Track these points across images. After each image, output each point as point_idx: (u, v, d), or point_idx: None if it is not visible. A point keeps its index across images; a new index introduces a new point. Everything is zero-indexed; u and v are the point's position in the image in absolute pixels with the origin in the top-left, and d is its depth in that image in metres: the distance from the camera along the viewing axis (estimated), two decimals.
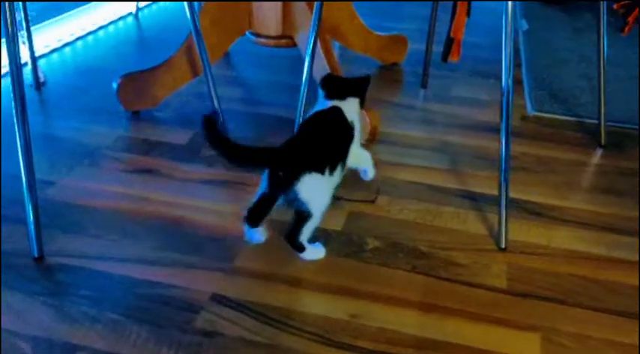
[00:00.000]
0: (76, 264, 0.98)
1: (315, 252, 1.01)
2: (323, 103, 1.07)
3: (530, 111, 1.56)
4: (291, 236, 0.98)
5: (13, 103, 0.94)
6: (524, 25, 2.14)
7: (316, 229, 0.99)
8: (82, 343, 0.84)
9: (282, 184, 0.94)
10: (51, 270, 0.97)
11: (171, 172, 1.24)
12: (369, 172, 1.13)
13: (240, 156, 0.98)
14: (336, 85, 1.10)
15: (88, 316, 0.88)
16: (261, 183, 0.97)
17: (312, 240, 1.00)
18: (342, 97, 1.07)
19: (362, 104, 1.12)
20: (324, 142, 1.01)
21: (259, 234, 1.01)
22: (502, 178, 1.05)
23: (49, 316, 0.88)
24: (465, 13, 1.30)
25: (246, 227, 1.00)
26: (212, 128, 0.93)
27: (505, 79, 1.03)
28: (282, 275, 0.98)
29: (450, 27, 1.33)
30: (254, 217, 0.99)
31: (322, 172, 0.96)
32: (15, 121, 0.94)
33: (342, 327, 0.89)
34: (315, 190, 0.96)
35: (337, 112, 1.05)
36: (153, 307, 0.91)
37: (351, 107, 1.07)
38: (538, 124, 1.51)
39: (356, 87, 1.11)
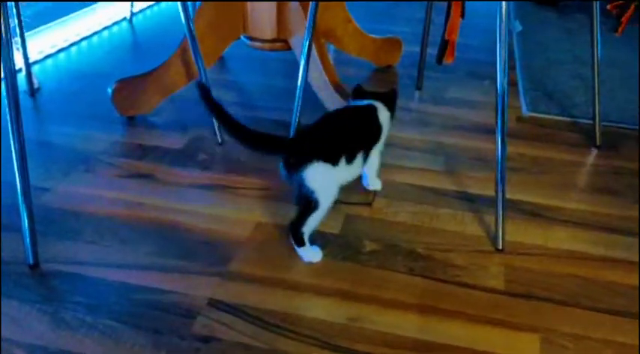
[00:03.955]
0: (72, 271, 0.97)
1: (312, 254, 1.01)
2: (358, 101, 1.14)
3: (525, 112, 1.57)
4: (294, 225, 0.98)
5: (7, 110, 0.93)
6: (518, 26, 2.14)
7: (314, 232, 0.99)
8: (78, 350, 0.83)
9: (292, 168, 0.96)
10: (46, 277, 0.96)
11: (166, 176, 1.24)
12: (369, 179, 1.18)
13: (254, 139, 0.99)
14: (369, 93, 1.17)
15: (85, 323, 0.88)
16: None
17: (310, 242, 1.00)
18: (379, 100, 1.14)
19: (392, 117, 1.18)
20: (344, 132, 1.03)
21: (311, 253, 1.01)
22: (498, 179, 1.05)
23: (46, 323, 0.88)
24: (460, 14, 1.31)
25: (298, 249, 1.01)
26: (209, 98, 0.97)
27: (500, 80, 1.03)
28: (279, 279, 0.98)
29: (445, 29, 1.33)
30: (295, 232, 0.99)
31: (334, 163, 0.98)
32: (9, 127, 0.94)
33: (340, 330, 0.88)
34: (323, 179, 0.97)
35: (372, 108, 1.11)
36: (149, 313, 0.90)
37: (383, 111, 1.14)
38: (533, 125, 1.51)
39: (387, 97, 1.17)
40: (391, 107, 1.17)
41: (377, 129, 1.11)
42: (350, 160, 1.01)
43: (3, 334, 0.85)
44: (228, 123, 0.97)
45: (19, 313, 0.89)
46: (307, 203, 0.97)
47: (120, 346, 0.85)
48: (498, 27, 1.02)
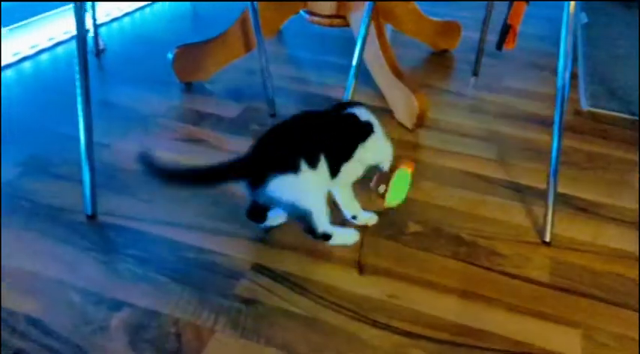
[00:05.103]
0: (126, 225, 1.02)
1: (344, 237, 0.99)
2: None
3: (584, 106, 1.52)
4: (310, 233, 0.96)
5: (77, 68, 0.97)
6: (584, 18, 2.07)
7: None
8: (127, 299, 0.88)
9: (257, 190, 0.91)
10: (102, 228, 1.01)
11: (219, 143, 1.27)
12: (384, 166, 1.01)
13: (199, 177, 0.94)
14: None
15: (135, 275, 0.92)
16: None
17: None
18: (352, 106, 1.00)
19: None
20: (295, 137, 0.93)
21: (271, 220, 1.01)
22: (552, 172, 1.03)
23: (99, 271, 0.92)
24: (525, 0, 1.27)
25: (329, 242, 0.98)
26: (150, 164, 0.91)
27: (561, 72, 1.01)
28: (321, 250, 0.99)
29: (508, 13, 1.30)
30: (253, 215, 1.00)
31: (295, 170, 0.90)
32: (77, 84, 0.98)
33: (378, 306, 0.90)
34: (292, 189, 0.91)
35: (351, 116, 0.98)
36: (196, 271, 0.94)
37: (363, 112, 1.00)
38: (591, 120, 1.47)
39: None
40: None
41: (356, 127, 0.98)
42: (313, 164, 0.91)
43: (59, 277, 0.91)
44: (176, 178, 0.93)
45: (74, 258, 0.94)
46: (298, 215, 0.94)
47: (166, 299, 0.88)
48: (565, 17, 1.00)
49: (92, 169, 1.01)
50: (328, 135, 0.95)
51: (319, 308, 0.89)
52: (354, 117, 0.98)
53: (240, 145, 1.26)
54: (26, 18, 1.63)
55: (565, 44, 1.00)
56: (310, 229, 0.95)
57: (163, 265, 0.94)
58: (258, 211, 1.00)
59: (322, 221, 0.95)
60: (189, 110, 1.39)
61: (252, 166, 0.92)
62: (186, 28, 1.86)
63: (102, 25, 1.79)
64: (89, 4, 1.59)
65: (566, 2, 0.99)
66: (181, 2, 2.04)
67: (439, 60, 1.74)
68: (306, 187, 0.92)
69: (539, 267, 0.99)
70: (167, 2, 2.03)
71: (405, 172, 0.98)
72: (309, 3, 1.52)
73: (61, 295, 0.88)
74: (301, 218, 0.94)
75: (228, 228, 1.03)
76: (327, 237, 0.97)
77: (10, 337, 0.81)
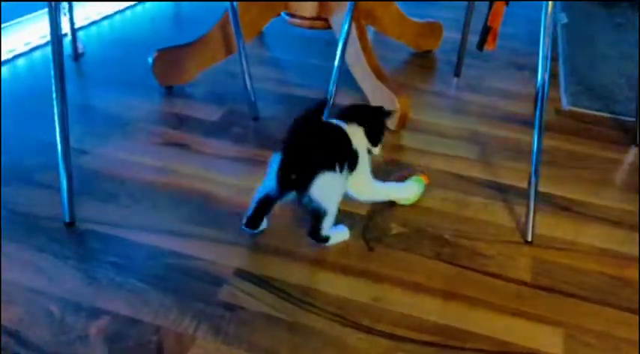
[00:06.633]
0: (105, 231, 1.00)
1: (338, 235, 1.01)
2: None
3: (565, 105, 1.54)
4: (313, 234, 0.98)
5: (52, 73, 0.95)
6: (564, 18, 2.09)
7: (339, 212, 0.99)
8: (107, 307, 0.86)
9: (296, 185, 0.93)
10: (81, 236, 0.99)
11: (200, 147, 1.25)
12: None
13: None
14: (348, 111, 1.06)
15: (114, 282, 0.91)
16: (259, 188, 0.98)
17: (335, 223, 1.01)
18: (348, 121, 1.02)
19: (374, 137, 1.04)
20: (330, 141, 0.97)
21: (339, 235, 1.02)
22: (533, 171, 1.04)
23: (78, 279, 0.91)
24: (504, 1, 1.28)
25: (244, 226, 1.01)
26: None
27: (541, 71, 1.01)
28: (304, 254, 0.99)
29: (488, 15, 1.31)
30: (254, 222, 1.00)
31: (334, 170, 0.94)
32: (53, 89, 0.96)
33: (362, 309, 0.89)
34: (329, 188, 0.94)
35: (339, 129, 1.00)
36: (177, 278, 0.92)
37: (355, 133, 1.01)
38: (572, 119, 1.48)
39: (363, 115, 1.04)
40: (366, 123, 1.03)
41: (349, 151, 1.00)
42: (342, 168, 0.96)
43: (37, 287, 0.89)
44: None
45: (52, 267, 0.93)
46: (316, 213, 0.95)
47: (147, 307, 0.87)
48: (543, 17, 1.00)
49: (69, 176, 1.00)
50: (348, 147, 0.99)
51: (302, 313, 0.88)
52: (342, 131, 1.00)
53: (221, 149, 1.25)
54: (2, 22, 1.60)
55: (544, 44, 1.01)
56: (316, 230, 0.97)
57: (143, 272, 0.93)
58: (259, 219, 1.00)
59: (329, 224, 0.97)
60: (170, 114, 1.37)
61: (299, 161, 0.94)
62: (166, 32, 1.84)
63: (80, 28, 1.77)
64: (66, 7, 1.56)
65: (544, 2, 1.00)
66: (162, 4, 2.03)
67: (421, 61, 1.74)
68: (337, 189, 0.96)
69: (521, 267, 0.99)
70: (147, 5, 2.01)
71: (421, 180, 1.12)
72: (290, 5, 1.51)
73: (39, 304, 0.86)
74: (316, 217, 0.96)
75: (210, 233, 1.02)
76: (326, 240, 0.99)
77: None
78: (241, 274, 0.94)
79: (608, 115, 1.50)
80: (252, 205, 1.00)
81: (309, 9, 1.50)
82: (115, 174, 1.15)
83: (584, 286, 0.97)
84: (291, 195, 0.95)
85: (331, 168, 0.94)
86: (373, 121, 1.05)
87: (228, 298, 0.90)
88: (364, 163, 1.02)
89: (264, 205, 0.99)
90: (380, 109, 1.08)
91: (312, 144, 0.96)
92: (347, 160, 0.98)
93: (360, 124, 1.02)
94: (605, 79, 1.69)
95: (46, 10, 0.95)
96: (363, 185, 1.03)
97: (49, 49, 0.96)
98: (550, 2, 0.99)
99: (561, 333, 0.88)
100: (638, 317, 0.92)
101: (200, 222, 1.04)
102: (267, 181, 0.96)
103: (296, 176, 0.93)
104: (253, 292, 0.91)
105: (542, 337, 0.87)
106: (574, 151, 1.34)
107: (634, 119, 1.40)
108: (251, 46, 1.70)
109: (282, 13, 1.55)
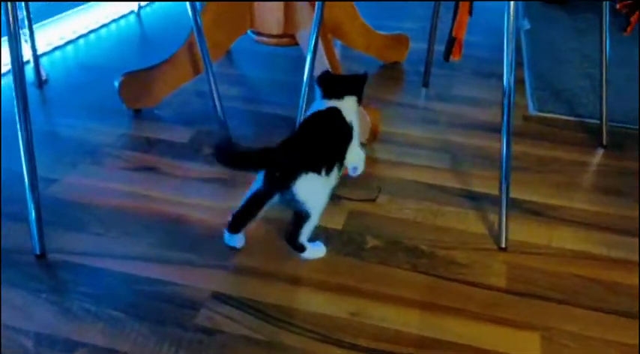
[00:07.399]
0: (78, 261, 0.98)
1: (315, 251, 1.01)
2: (321, 103, 1.06)
3: (532, 111, 1.56)
4: (291, 237, 0.98)
5: (15, 101, 0.94)
6: (527, 24, 2.14)
7: (316, 228, 0.99)
8: (83, 339, 0.84)
9: (279, 183, 0.94)
10: (53, 267, 0.97)
11: (172, 169, 1.24)
12: (358, 169, 1.10)
13: (237, 159, 0.98)
14: (334, 84, 1.09)
15: (90, 313, 0.89)
16: (251, 186, 0.98)
17: (312, 239, 1.01)
18: (340, 97, 1.06)
19: (359, 102, 1.10)
20: (322, 142, 1.00)
21: (238, 239, 1.01)
22: (503, 178, 1.05)
23: (51, 312, 0.89)
24: (467, 12, 1.30)
25: (226, 232, 1.01)
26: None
27: (507, 78, 1.03)
28: (282, 273, 0.98)
29: (452, 26, 1.33)
30: (239, 222, 1.00)
31: (319, 173, 0.96)
32: (17, 118, 0.95)
33: (342, 325, 0.89)
34: (312, 190, 0.96)
35: (336, 112, 1.04)
36: (154, 305, 0.91)
37: (349, 107, 1.06)
38: (540, 124, 1.51)
39: (353, 85, 1.09)
40: (358, 93, 1.09)
41: (347, 131, 1.05)
42: (330, 168, 0.98)
43: (9, 323, 0.86)
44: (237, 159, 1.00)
45: (25, 302, 0.90)
46: (299, 215, 0.96)
47: (124, 336, 0.85)
48: (506, 25, 1.02)
49: (38, 206, 0.98)
50: (341, 144, 1.04)
51: (282, 333, 0.87)
52: (340, 114, 1.04)
53: (193, 171, 1.24)
54: None
55: (508, 49, 1.02)
56: (292, 236, 0.98)
57: (119, 301, 0.91)
58: (244, 219, 0.99)
59: (308, 231, 0.98)
60: (139, 137, 1.36)
61: (286, 159, 0.96)
62: (131, 54, 1.83)
63: (43, 54, 1.74)
64: (27, 33, 1.54)
65: (506, 2, 1.01)
66: (126, 26, 2.01)
67: (389, 73, 1.76)
68: (323, 192, 0.98)
69: (496, 273, 1.00)
70: (112, 27, 2.00)
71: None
72: (257, 23, 1.52)
73: (13, 341, 0.84)
74: (298, 219, 0.96)
75: (184, 257, 1.01)
76: (302, 249, 0.99)
77: None
78: (218, 296, 0.93)
79: (574, 119, 1.53)
80: (240, 204, 0.99)
81: (275, 26, 1.51)
82: (85, 202, 1.13)
83: (559, 289, 0.98)
84: (278, 197, 0.96)
85: (316, 169, 0.95)
86: (362, 87, 1.10)
87: (206, 322, 0.88)
88: (356, 132, 1.06)
89: (252, 204, 0.98)
90: (364, 75, 1.11)
91: (300, 144, 0.98)
92: (338, 161, 1.01)
93: (353, 94, 1.08)
94: (569, 83, 1.73)
95: (5, 38, 0.94)
96: (357, 154, 1.07)
97: (11, 78, 0.94)
98: (512, 2, 1.01)
99: (538, 337, 0.89)
100: (612, 317, 0.93)
101: (174, 246, 1.03)
102: (257, 180, 0.97)
103: (279, 174, 0.94)
104: (231, 315, 0.90)
105: (520, 342, 0.88)
106: (543, 156, 1.36)
107: (598, 121, 1.43)
108: (219, 65, 1.70)
109: (249, 32, 1.55)
